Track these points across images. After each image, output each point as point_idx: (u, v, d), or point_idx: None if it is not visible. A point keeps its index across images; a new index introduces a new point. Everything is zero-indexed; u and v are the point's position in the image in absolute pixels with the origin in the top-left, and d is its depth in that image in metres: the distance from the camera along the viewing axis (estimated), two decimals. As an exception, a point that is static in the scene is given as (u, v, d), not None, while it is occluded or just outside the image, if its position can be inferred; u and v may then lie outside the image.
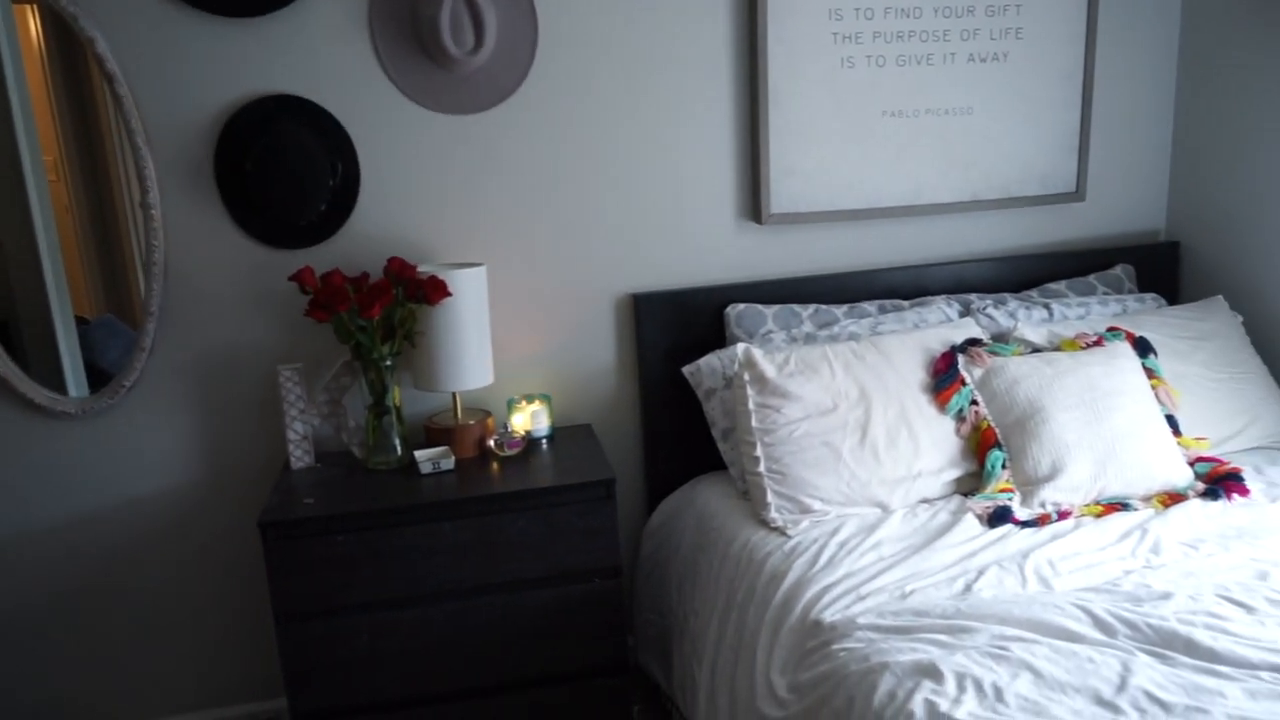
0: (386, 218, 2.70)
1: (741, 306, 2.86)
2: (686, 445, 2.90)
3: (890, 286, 3.02)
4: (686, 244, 2.91)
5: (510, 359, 2.84)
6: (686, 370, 2.81)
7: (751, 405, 2.52)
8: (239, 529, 2.76)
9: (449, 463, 2.57)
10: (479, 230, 2.77)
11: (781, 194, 2.89)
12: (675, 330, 2.89)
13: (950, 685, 1.74)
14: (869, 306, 2.93)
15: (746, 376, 2.54)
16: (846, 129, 2.91)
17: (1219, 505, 2.38)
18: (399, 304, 2.53)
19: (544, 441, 2.77)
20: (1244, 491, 2.41)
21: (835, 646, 1.95)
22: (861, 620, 2.00)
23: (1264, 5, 2.87)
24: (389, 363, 2.56)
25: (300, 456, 2.64)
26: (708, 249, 2.93)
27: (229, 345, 2.68)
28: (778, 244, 2.97)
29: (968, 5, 2.90)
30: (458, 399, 2.72)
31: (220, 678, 2.88)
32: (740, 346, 2.61)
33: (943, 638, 1.90)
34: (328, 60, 2.58)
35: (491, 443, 2.67)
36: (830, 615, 2.04)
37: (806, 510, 2.43)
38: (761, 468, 2.47)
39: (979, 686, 1.74)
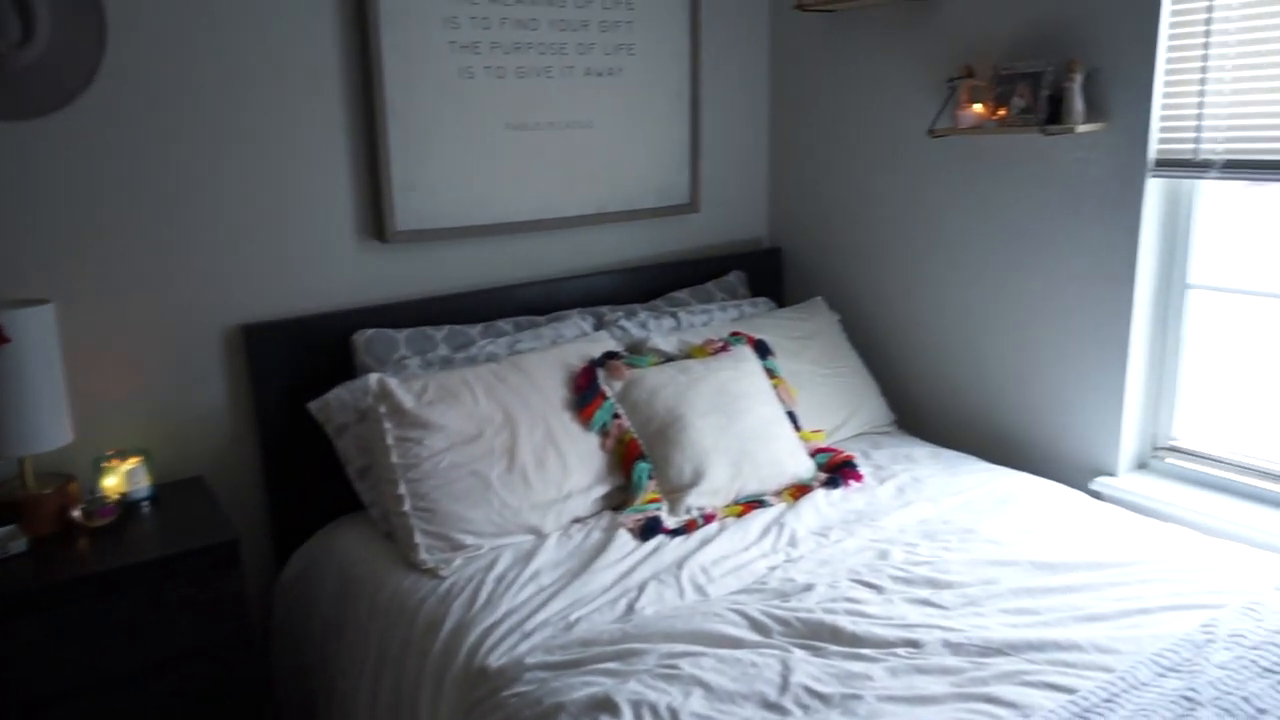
0: (-90, 248, 2.17)
1: (370, 332, 2.65)
2: (318, 489, 2.63)
3: (525, 303, 2.96)
4: (304, 267, 2.64)
5: (96, 410, 2.40)
6: (313, 406, 2.54)
7: (390, 440, 2.33)
8: None
9: (19, 544, 2.11)
10: (43, 260, 2.30)
11: (406, 210, 2.72)
12: (297, 363, 2.61)
13: (628, 716, 1.69)
14: (505, 325, 2.85)
15: (382, 409, 2.34)
16: (471, 142, 2.80)
17: (839, 492, 2.57)
18: (-65, 355, 2.03)
19: (145, 504, 2.37)
20: (858, 477, 2.62)
21: (505, 693, 1.83)
22: (530, 660, 1.89)
23: (833, 34, 3.17)
24: (-74, 429, 2.05)
25: None
26: (329, 272, 2.68)
27: None
28: (406, 263, 2.79)
29: (582, 19, 2.91)
30: (27, 465, 2.24)
31: None
32: (372, 376, 2.41)
33: (614, 665, 1.85)
34: None
35: (77, 513, 2.24)
36: (496, 659, 1.92)
37: (459, 547, 2.28)
38: (406, 506, 2.29)
39: (655, 712, 1.70)
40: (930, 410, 3.14)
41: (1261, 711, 1.59)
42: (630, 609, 2.07)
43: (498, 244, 2.94)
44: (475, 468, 2.35)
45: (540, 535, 2.37)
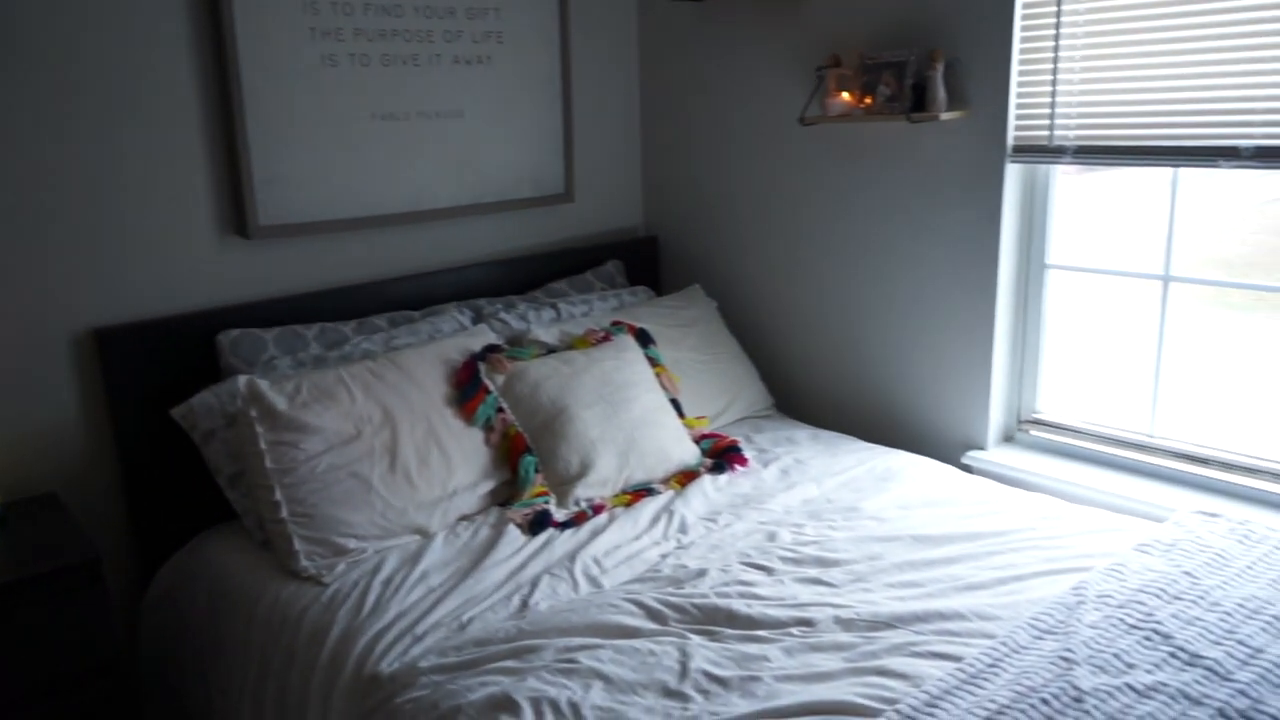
0: None
1: (236, 333, 2.52)
2: (185, 500, 2.49)
3: (399, 298, 2.87)
4: (161, 266, 2.49)
5: (-72, 425, 2.20)
6: (176, 412, 2.40)
7: (263, 444, 2.22)
8: None
9: None
10: None
11: (269, 204, 2.60)
12: (157, 367, 2.45)
13: (528, 714, 1.66)
14: (380, 321, 2.76)
15: (254, 412, 2.23)
16: (336, 132, 2.69)
17: (726, 477, 2.59)
18: None
19: (-9, 524, 2.20)
20: (744, 461, 2.65)
21: (400, 699, 1.77)
22: (424, 664, 1.84)
23: (703, 22, 3.19)
24: None
25: None
26: (188, 270, 2.53)
27: None
28: (271, 260, 2.67)
29: (448, 6, 2.84)
30: None
31: None
32: (241, 379, 2.30)
33: (511, 663, 1.82)
34: None
35: (-88, 538, 2.05)
36: (388, 665, 1.86)
37: (341, 552, 2.20)
38: (284, 513, 2.19)
39: (556, 708, 1.68)
40: (809, 393, 3.20)
41: (1130, 666, 1.68)
42: (524, 605, 2.03)
43: (368, 238, 2.84)
44: (355, 469, 2.26)
45: (427, 535, 2.31)
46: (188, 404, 2.39)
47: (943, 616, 1.91)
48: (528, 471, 2.46)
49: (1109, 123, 2.42)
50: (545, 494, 2.45)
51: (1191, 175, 2.43)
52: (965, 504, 2.40)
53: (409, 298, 2.89)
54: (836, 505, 2.44)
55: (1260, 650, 1.71)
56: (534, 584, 2.10)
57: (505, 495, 2.47)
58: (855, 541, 2.24)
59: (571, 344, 2.76)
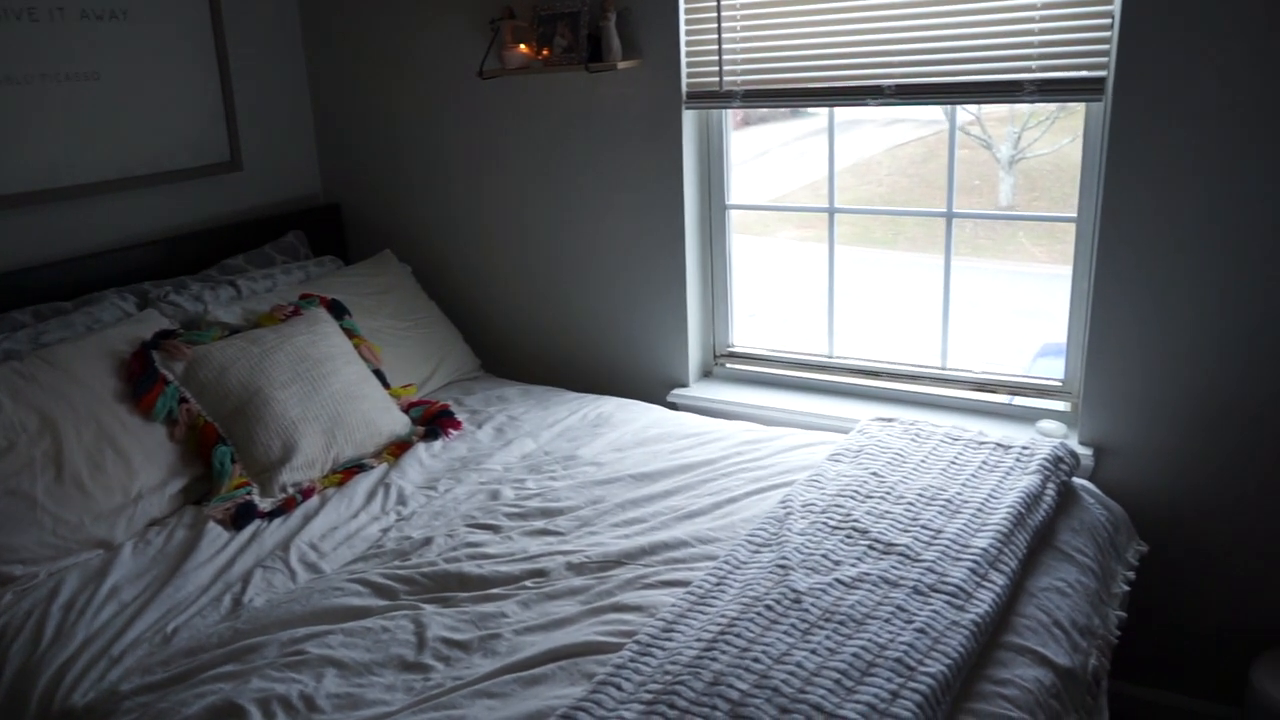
0: None
1: None
2: None
3: (44, 288, 2.52)
4: None
5: None
6: None
7: (-113, 470, 1.87)
8: None
9: None
10: None
11: None
12: None
13: (256, 717, 1.54)
14: (22, 316, 2.41)
15: None
16: (-61, 98, 2.30)
17: (440, 443, 2.53)
18: None
19: None
20: (457, 425, 2.60)
21: (101, 731, 1.57)
22: (125, 686, 1.65)
23: (369, -26, 3.04)
24: None
25: None
26: None
27: None
28: None
29: (67, -50, 2.50)
30: None
31: None
32: None
33: (230, 668, 1.67)
34: None
35: None
36: (83, 695, 1.65)
37: (6, 581, 1.92)
38: (-76, 546, 1.87)
39: (287, 704, 1.57)
40: (516, 350, 3.19)
41: (837, 563, 1.83)
42: (238, 604, 1.88)
43: (-3, 221, 2.47)
44: (13, 485, 1.98)
45: (111, 547, 2.06)
46: None
47: (668, 546, 1.98)
48: (223, 463, 2.26)
49: (771, 68, 2.58)
50: (247, 484, 2.26)
51: (839, 130, 2.64)
52: (675, 439, 2.50)
53: (56, 287, 2.54)
54: (555, 456, 2.45)
55: (940, 531, 1.91)
56: (246, 580, 1.95)
57: (201, 492, 2.26)
58: (577, 488, 2.26)
59: (258, 322, 2.56)
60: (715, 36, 2.62)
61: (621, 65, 2.63)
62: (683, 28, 2.64)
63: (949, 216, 2.59)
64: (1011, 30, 2.28)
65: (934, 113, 2.94)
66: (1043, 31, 2.25)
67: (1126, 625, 2.27)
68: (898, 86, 2.43)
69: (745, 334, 2.97)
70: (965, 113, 2.80)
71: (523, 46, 2.76)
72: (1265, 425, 2.21)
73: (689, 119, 2.73)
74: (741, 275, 2.90)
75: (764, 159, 2.85)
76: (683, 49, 2.66)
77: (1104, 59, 2.20)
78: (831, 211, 2.73)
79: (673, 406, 2.87)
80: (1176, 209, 2.18)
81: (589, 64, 2.64)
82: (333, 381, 2.45)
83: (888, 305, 2.78)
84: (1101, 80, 2.22)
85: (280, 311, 2.59)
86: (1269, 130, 2.06)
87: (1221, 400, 2.24)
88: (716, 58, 2.63)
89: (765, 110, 2.64)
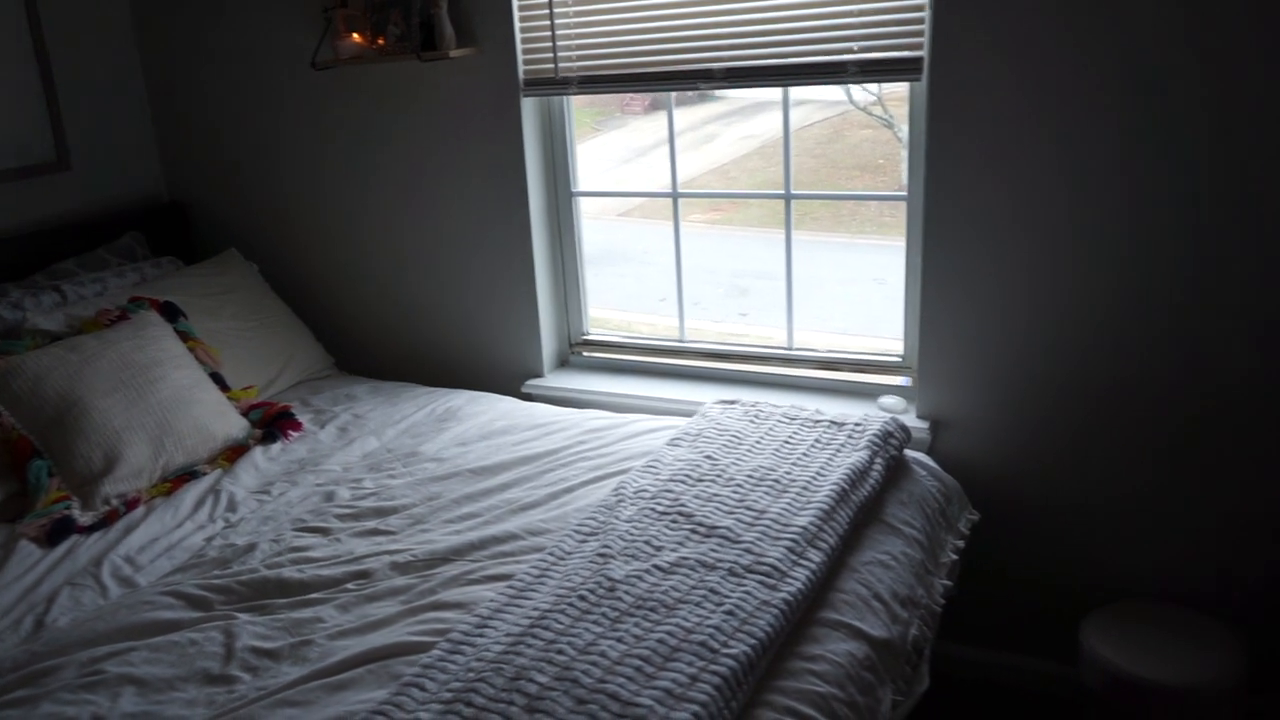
0: None
1: None
2: None
3: None
4: None
5: None
6: None
7: None
8: None
9: None
10: None
11: None
12: None
13: (41, 743, 1.47)
14: None
15: None
16: None
17: (279, 446, 2.47)
18: None
19: None
20: (297, 426, 2.54)
21: (-128, 769, 1.49)
22: (-96, 720, 1.56)
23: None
24: None
25: None
26: None
27: None
28: None
29: None
30: None
31: None
32: None
33: (22, 693, 1.60)
34: None
35: None
36: None
37: None
38: None
39: (77, 728, 1.51)
40: (371, 347, 3.13)
41: (659, 549, 1.83)
42: (39, 625, 1.81)
43: None
44: None
45: (-92, 574, 1.96)
46: None
47: (498, 540, 1.96)
48: (39, 477, 2.17)
49: (605, 54, 2.56)
50: (66, 498, 2.18)
51: (748, 113, 2.62)
52: (521, 431, 2.47)
53: None
54: (396, 453, 2.41)
55: (764, 512, 1.93)
56: (51, 600, 1.87)
57: (16, 509, 2.16)
58: (414, 485, 2.23)
59: (80, 328, 2.46)
60: (549, 23, 2.59)
61: (455, 53, 2.58)
62: (516, 14, 2.61)
63: (787, 198, 2.61)
64: (834, 12, 2.30)
65: (837, 93, 2.95)
66: (863, 13, 2.27)
67: (964, 591, 2.33)
68: (727, 70, 2.43)
69: (601, 319, 2.95)
70: (866, 93, 2.82)
71: (356, 36, 2.70)
72: (1091, 396, 2.28)
73: (529, 106, 2.69)
74: (653, 261, 2.86)
75: (665, 147, 2.83)
76: (517, 36, 2.62)
77: (920, 39, 2.24)
78: (675, 196, 2.73)
79: (527, 397, 2.85)
80: (997, 186, 2.23)
81: (421, 53, 2.59)
82: (161, 388, 2.37)
83: (747, 285, 2.78)
84: (919, 60, 2.25)
85: (105, 316, 2.50)
86: (1084, 107, 2.11)
87: (1049, 372, 2.30)
88: (551, 44, 2.60)
89: (673, 96, 2.62)
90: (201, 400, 2.44)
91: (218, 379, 2.57)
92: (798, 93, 2.61)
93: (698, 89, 2.50)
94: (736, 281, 3.14)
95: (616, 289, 3.68)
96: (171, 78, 3.11)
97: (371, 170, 2.92)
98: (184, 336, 2.57)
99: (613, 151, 3.70)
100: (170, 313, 2.61)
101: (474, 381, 2.93)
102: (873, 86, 2.82)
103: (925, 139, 2.29)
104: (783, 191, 2.61)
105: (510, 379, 2.91)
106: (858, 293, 2.53)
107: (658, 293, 2.78)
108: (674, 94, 2.69)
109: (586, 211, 2.88)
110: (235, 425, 2.48)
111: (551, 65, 2.62)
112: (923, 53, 2.24)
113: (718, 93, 3.68)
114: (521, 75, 2.65)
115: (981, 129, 2.21)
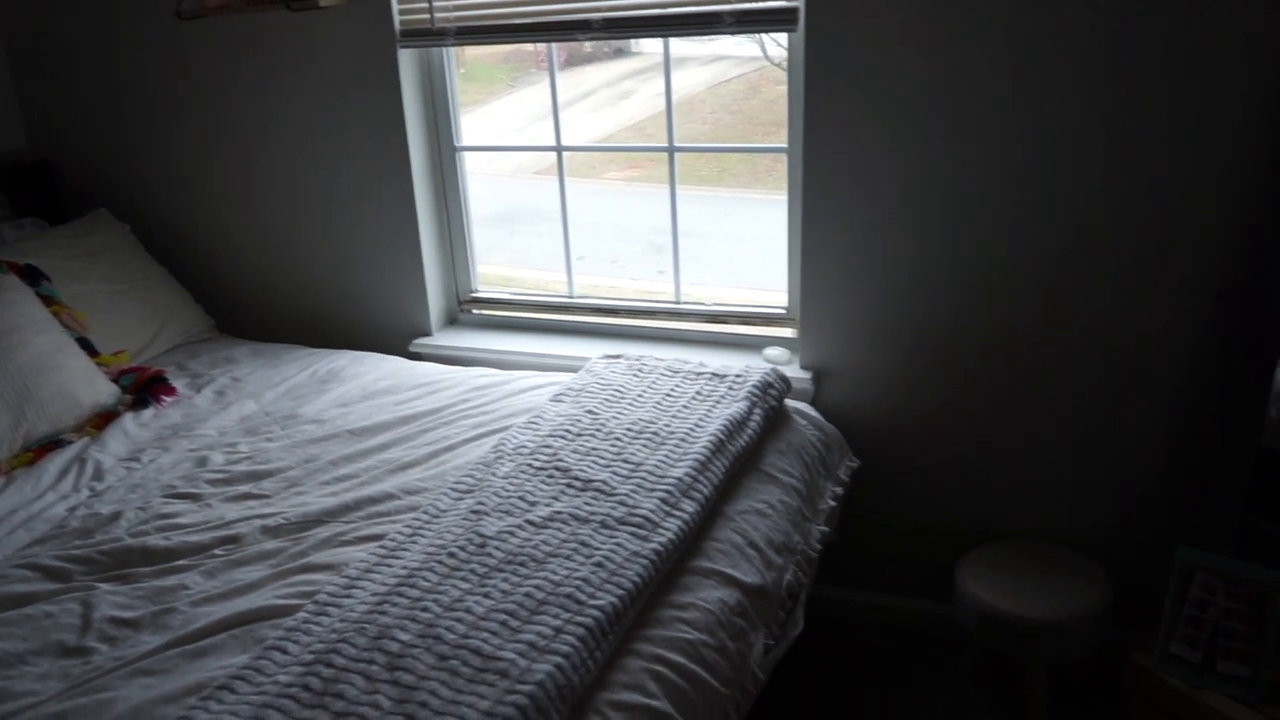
0: None
1: None
2: None
3: None
4: None
5: None
6: None
7: None
8: None
9: None
10: None
11: None
12: None
13: (-124, 725, 1.42)
14: None
15: None
16: None
17: (151, 411, 2.39)
18: None
19: None
20: (171, 391, 2.46)
21: None
22: None
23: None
24: None
25: None
26: None
27: None
28: None
29: None
30: None
31: None
32: None
33: None
34: None
35: None
36: None
37: None
38: None
39: (-84, 707, 1.45)
40: (254, 308, 3.04)
41: (532, 504, 1.83)
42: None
43: None
44: None
45: None
46: None
47: (373, 501, 1.93)
48: (-117, 451, 2.07)
49: (482, 4, 2.50)
50: (-83, 474, 2.08)
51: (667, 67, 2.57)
52: (404, 390, 2.44)
53: None
54: (275, 416, 2.35)
55: (640, 464, 1.94)
56: (-105, 579, 1.79)
57: None
58: (291, 448, 2.18)
59: (-70, 294, 2.34)
60: (424, -29, 2.52)
61: (326, 3, 2.49)
62: (390, -38, 2.53)
63: (670, 151, 2.60)
64: (710, -39, 2.28)
65: (753, 49, 2.93)
66: (739, -38, 2.26)
67: (845, 536, 2.39)
68: (605, 20, 2.40)
69: (490, 275, 2.91)
70: (780, 48, 2.79)
71: (222, -17, 2.59)
72: (970, 347, 2.33)
73: (406, 58, 2.62)
74: (573, 219, 2.79)
75: (589, 100, 2.78)
76: (392, -16, 2.55)
77: (796, -11, 2.23)
78: (560, 150, 2.70)
79: (415, 357, 2.80)
80: (876, 138, 2.25)
81: (291, 2, 2.49)
82: (20, 354, 2.27)
83: (672, 241, 2.74)
84: (795, 10, 2.25)
85: (-42, 281, 2.38)
86: (964, 57, 2.13)
87: (930, 324, 2.34)
88: (426, -7, 2.53)
89: (590, 50, 2.55)
90: (66, 366, 2.34)
91: (85, 344, 2.47)
92: (716, 47, 2.59)
93: (575, 39, 2.45)
94: (653, 239, 3.12)
95: (534, 247, 3.64)
96: (31, 27, 2.95)
97: (249, 126, 2.82)
98: (47, 301, 2.47)
99: (528, 107, 3.63)
100: (32, 276, 2.49)
101: (361, 342, 2.88)
102: (782, 40, 2.81)
103: (804, 90, 2.29)
104: (666, 145, 2.59)
105: (398, 338, 2.86)
106: (773, 248, 2.55)
107: (574, 251, 2.75)
108: (556, 46, 2.64)
109: (501, 169, 2.83)
110: (104, 391, 2.40)
111: (428, 15, 2.55)
112: (798, 3, 2.24)
113: (634, 47, 3.63)
114: (398, 25, 2.57)
115: (859, 80, 2.22)
